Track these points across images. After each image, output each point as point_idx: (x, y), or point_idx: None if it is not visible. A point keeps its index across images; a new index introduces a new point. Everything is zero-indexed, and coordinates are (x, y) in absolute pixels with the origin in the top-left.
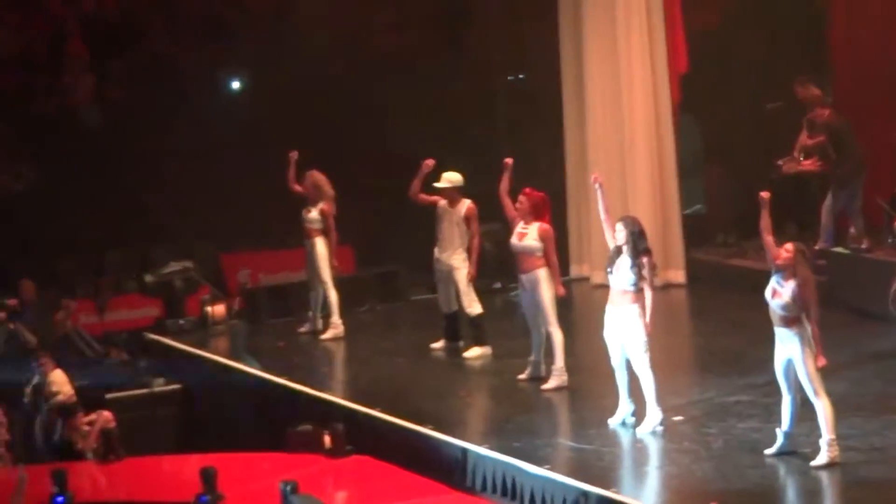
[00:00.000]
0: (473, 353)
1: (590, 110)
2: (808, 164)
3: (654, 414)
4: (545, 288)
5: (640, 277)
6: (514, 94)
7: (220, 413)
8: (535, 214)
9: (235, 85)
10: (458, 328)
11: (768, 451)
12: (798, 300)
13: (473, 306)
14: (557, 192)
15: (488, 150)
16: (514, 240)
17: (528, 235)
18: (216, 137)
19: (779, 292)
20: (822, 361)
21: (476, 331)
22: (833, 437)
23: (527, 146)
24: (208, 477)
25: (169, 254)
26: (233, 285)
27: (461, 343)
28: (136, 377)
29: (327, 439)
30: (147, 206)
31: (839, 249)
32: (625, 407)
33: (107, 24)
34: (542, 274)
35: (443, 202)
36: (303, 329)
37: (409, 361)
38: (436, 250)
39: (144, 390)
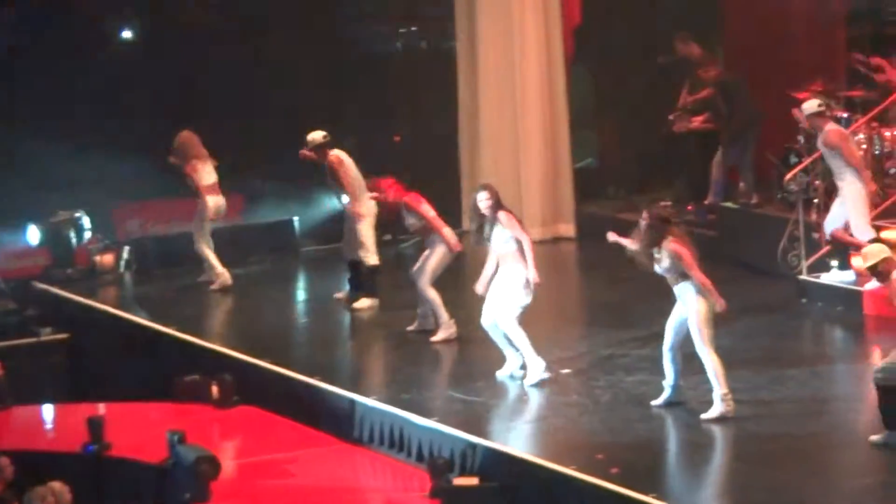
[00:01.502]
0: (362, 303)
1: (482, 62)
2: (699, 121)
3: (535, 365)
4: (436, 252)
5: (509, 236)
6: (407, 46)
7: (108, 362)
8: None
9: (126, 32)
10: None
11: (654, 402)
12: (675, 258)
13: (369, 257)
14: (450, 145)
15: (381, 104)
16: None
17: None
18: (109, 84)
19: (657, 258)
20: (722, 304)
21: (368, 282)
22: (726, 390)
23: (419, 100)
24: (95, 426)
25: (57, 202)
26: (121, 235)
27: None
28: (23, 326)
29: (215, 389)
30: (37, 153)
31: (729, 204)
32: (512, 360)
33: None
34: (437, 239)
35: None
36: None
37: (298, 313)
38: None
39: (32, 339)
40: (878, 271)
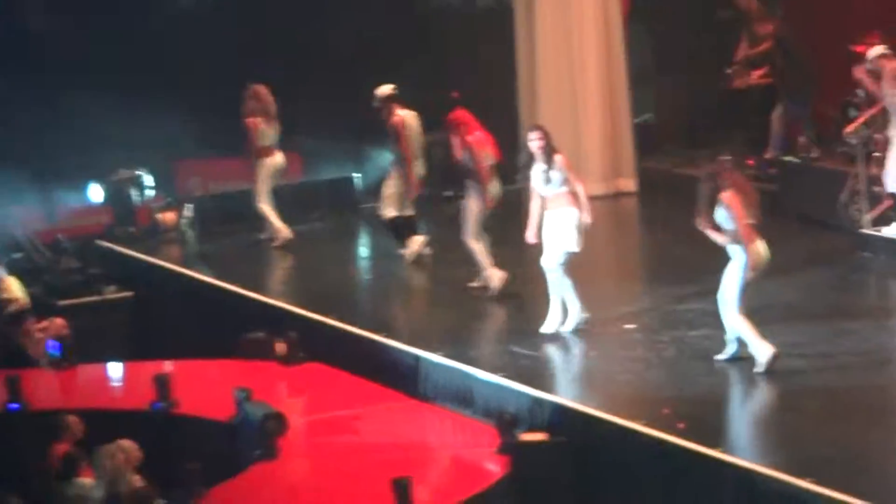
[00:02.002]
0: (410, 247)
1: (539, 18)
2: (757, 76)
3: (576, 312)
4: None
5: (561, 179)
6: (465, 8)
7: (172, 320)
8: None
9: None
10: (402, 230)
11: (718, 357)
12: (728, 210)
13: (386, 211)
14: (509, 101)
15: (440, 60)
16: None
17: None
18: (165, 45)
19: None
20: (754, 262)
21: (398, 232)
22: (757, 339)
23: (478, 56)
24: (162, 384)
25: (119, 161)
26: (183, 193)
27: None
28: (87, 284)
29: (280, 346)
30: (96, 113)
31: (789, 158)
32: (556, 313)
33: None
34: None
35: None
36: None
37: (361, 270)
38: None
39: (96, 297)
40: None
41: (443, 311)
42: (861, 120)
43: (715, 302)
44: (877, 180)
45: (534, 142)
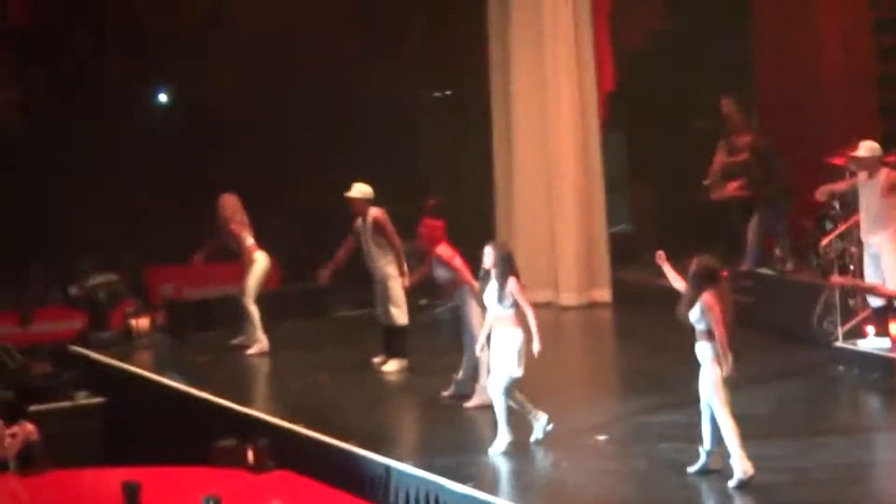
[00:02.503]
0: (391, 366)
1: (517, 127)
2: (734, 188)
3: (503, 435)
4: (469, 308)
5: (511, 300)
6: (443, 110)
7: (143, 427)
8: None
9: (161, 98)
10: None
11: (690, 469)
12: (706, 309)
13: (399, 317)
14: (485, 209)
15: (416, 168)
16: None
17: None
18: (142, 150)
19: (690, 304)
20: (729, 370)
21: (398, 342)
22: (741, 452)
23: (454, 164)
24: (131, 491)
25: (93, 266)
26: (157, 298)
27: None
28: (59, 390)
29: (251, 454)
30: (71, 217)
31: (764, 270)
32: (540, 422)
33: (32, 35)
34: (465, 294)
35: (358, 221)
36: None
37: (333, 377)
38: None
39: (68, 403)
40: None
41: (415, 420)
42: (836, 233)
43: (687, 414)
44: (851, 293)
45: (486, 258)
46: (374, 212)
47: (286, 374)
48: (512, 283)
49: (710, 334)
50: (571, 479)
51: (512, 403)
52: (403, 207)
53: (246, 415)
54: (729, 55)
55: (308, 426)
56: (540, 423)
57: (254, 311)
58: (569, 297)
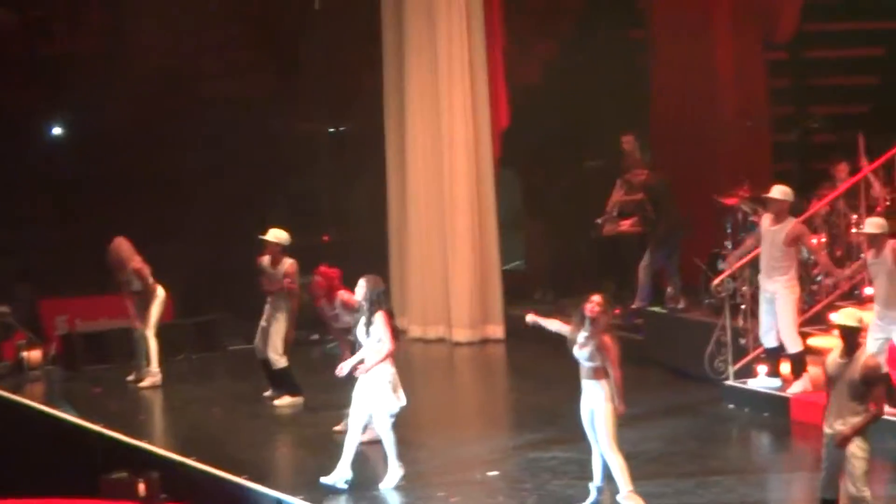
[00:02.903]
0: (284, 401)
1: (411, 163)
2: (627, 225)
3: (394, 470)
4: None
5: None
6: (337, 144)
7: (34, 459)
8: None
9: (56, 129)
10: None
11: None
12: (601, 349)
13: (278, 361)
14: (379, 244)
15: (310, 201)
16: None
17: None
18: (36, 180)
19: (585, 344)
20: (622, 409)
21: (285, 381)
22: (630, 488)
23: (349, 198)
24: None
25: None
26: (49, 331)
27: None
28: None
29: (142, 487)
30: None
31: (656, 308)
32: (344, 469)
33: None
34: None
35: (266, 259)
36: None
37: (225, 410)
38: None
39: None
40: (847, 335)
41: (307, 454)
42: (728, 272)
43: (577, 450)
44: (742, 332)
45: (358, 292)
46: (289, 263)
47: (179, 407)
48: (380, 317)
49: (603, 372)
50: None
51: (382, 436)
52: (299, 241)
53: (137, 447)
54: (624, 93)
55: (200, 459)
56: (343, 472)
57: (153, 343)
58: (462, 333)
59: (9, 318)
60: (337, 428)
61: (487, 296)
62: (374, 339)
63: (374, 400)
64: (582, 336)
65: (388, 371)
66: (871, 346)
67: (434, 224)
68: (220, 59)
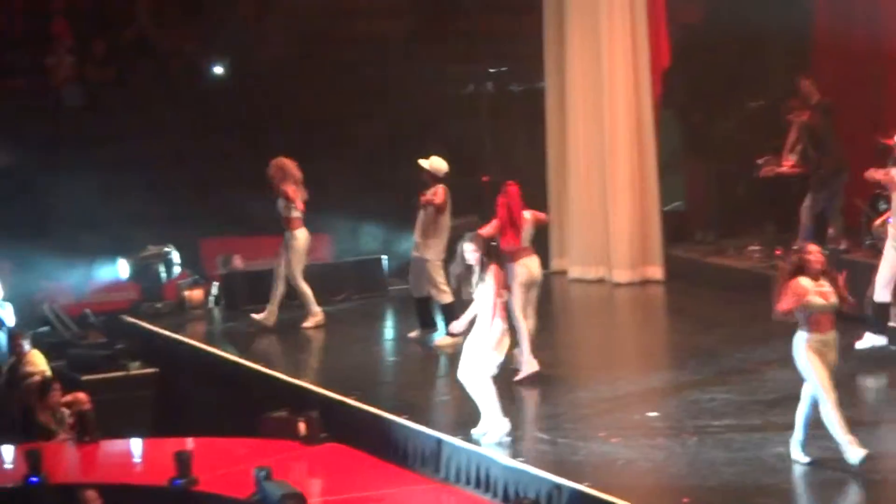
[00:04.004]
0: (444, 341)
1: (571, 105)
2: (787, 166)
3: (499, 425)
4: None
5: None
6: (497, 86)
7: (195, 397)
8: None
9: (218, 69)
10: (429, 315)
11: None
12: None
13: (442, 296)
14: (538, 186)
15: (469, 143)
16: None
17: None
18: (198, 121)
19: (826, 294)
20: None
21: (446, 319)
22: (849, 437)
23: (508, 140)
24: (183, 461)
25: (147, 237)
26: (211, 270)
27: (436, 330)
28: (112, 360)
29: (302, 426)
30: (126, 188)
31: None
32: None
33: (91, 4)
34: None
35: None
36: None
37: (386, 351)
38: (414, 236)
39: (121, 373)
40: None
41: (466, 395)
42: (890, 213)
43: (737, 391)
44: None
45: (469, 254)
46: (439, 189)
47: (339, 347)
48: (490, 273)
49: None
50: (622, 455)
51: (478, 390)
52: (458, 183)
53: (298, 387)
54: (786, 32)
55: (360, 399)
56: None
57: (304, 287)
58: (622, 274)
59: (171, 257)
60: (517, 378)
61: (647, 237)
62: (484, 293)
63: (477, 352)
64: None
65: (497, 327)
66: None
67: (594, 165)
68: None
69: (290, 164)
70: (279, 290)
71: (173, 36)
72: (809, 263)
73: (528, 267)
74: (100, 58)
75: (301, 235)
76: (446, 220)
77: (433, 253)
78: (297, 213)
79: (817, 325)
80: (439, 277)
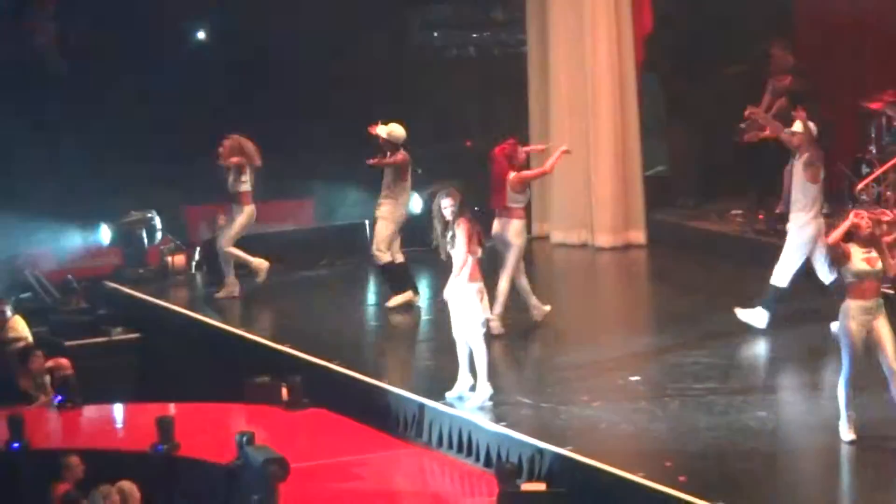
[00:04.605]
0: (394, 301)
1: (554, 69)
2: (770, 131)
3: (483, 389)
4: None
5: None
6: (479, 51)
7: (177, 363)
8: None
9: (200, 34)
10: (399, 279)
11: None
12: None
13: (379, 256)
14: None
15: (453, 110)
16: None
17: None
18: (180, 86)
19: (872, 260)
20: None
21: (389, 279)
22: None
23: (491, 105)
24: (165, 426)
25: (130, 203)
26: (194, 236)
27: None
28: (94, 325)
29: (284, 391)
30: (109, 154)
31: None
32: (464, 380)
33: None
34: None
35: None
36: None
37: (368, 316)
38: None
39: (103, 338)
40: None
41: (448, 359)
42: (872, 176)
43: (718, 355)
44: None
45: (447, 209)
46: (402, 154)
47: (322, 313)
48: (461, 228)
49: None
50: (603, 419)
51: (473, 349)
52: (441, 147)
53: (280, 352)
54: None
55: (342, 364)
56: (464, 383)
57: (235, 252)
58: (604, 238)
59: (154, 223)
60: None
61: (629, 201)
62: (457, 250)
63: (464, 312)
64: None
65: (473, 285)
66: None
67: (576, 129)
68: None
69: (246, 142)
70: (224, 259)
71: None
72: (859, 229)
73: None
74: (81, 23)
75: (248, 210)
76: (405, 185)
77: (384, 212)
78: (246, 188)
79: (861, 292)
80: (380, 238)
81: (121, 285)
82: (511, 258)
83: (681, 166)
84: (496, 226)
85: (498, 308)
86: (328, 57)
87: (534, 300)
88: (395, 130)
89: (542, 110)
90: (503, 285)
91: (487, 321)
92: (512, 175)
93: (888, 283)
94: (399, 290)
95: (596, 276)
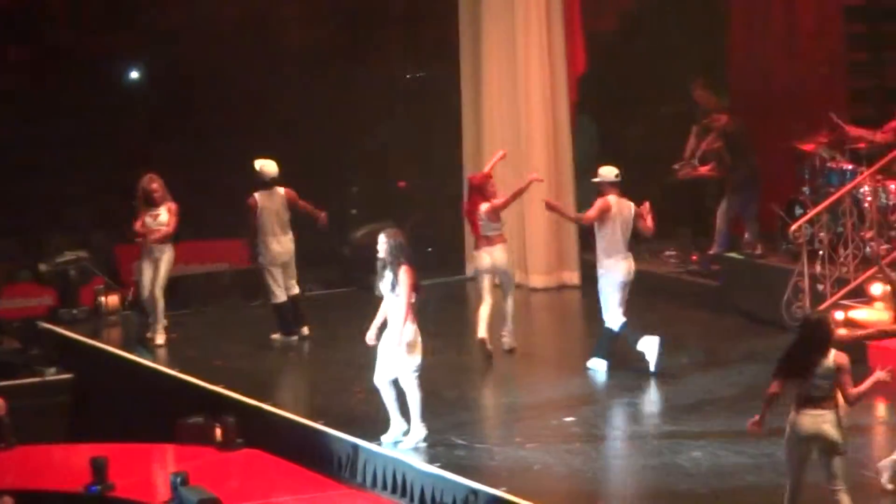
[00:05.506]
0: (277, 338)
1: (487, 110)
2: (704, 170)
3: (417, 430)
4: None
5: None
6: (414, 92)
7: (111, 403)
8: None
9: (134, 74)
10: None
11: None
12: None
13: (272, 297)
14: (454, 190)
15: (387, 148)
16: None
17: None
18: (114, 126)
19: None
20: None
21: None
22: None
23: (425, 145)
24: (99, 467)
25: (63, 243)
26: (126, 276)
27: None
28: (28, 365)
29: (218, 432)
30: (42, 194)
31: (733, 254)
32: (398, 425)
33: (5, 10)
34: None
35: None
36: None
37: (302, 356)
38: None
39: (36, 379)
40: None
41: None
42: (806, 218)
43: (655, 396)
44: (820, 278)
45: (380, 246)
46: (282, 191)
47: (255, 352)
48: (403, 272)
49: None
50: (539, 460)
51: (408, 392)
52: (374, 187)
53: (214, 392)
54: (701, 39)
55: (275, 404)
56: (398, 428)
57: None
58: (538, 279)
59: (86, 263)
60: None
61: (563, 242)
62: (397, 294)
63: (396, 358)
64: None
65: (409, 329)
66: None
67: (509, 170)
68: (296, 8)
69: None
70: (160, 303)
71: (90, 42)
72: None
73: (485, 255)
74: (14, 63)
75: (171, 250)
76: (261, 225)
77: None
78: (172, 229)
79: None
80: (267, 279)
81: (54, 325)
82: (509, 281)
83: None
84: (485, 258)
85: (508, 325)
86: (255, 99)
87: (510, 326)
88: (266, 166)
89: (475, 150)
90: (510, 306)
91: (418, 366)
92: (485, 206)
93: None
94: (286, 331)
95: (530, 316)
